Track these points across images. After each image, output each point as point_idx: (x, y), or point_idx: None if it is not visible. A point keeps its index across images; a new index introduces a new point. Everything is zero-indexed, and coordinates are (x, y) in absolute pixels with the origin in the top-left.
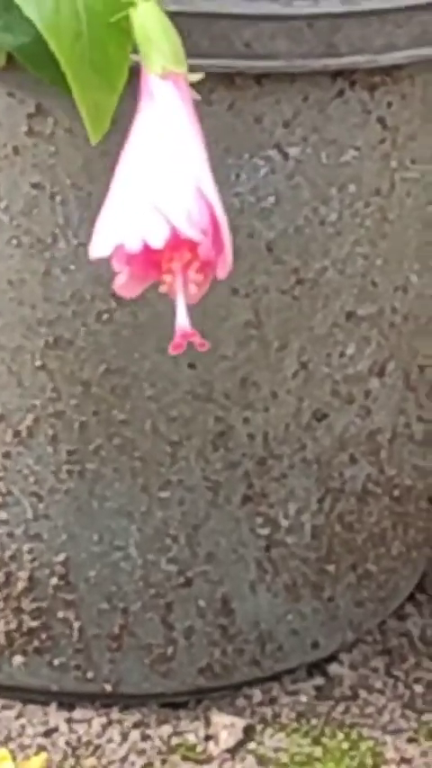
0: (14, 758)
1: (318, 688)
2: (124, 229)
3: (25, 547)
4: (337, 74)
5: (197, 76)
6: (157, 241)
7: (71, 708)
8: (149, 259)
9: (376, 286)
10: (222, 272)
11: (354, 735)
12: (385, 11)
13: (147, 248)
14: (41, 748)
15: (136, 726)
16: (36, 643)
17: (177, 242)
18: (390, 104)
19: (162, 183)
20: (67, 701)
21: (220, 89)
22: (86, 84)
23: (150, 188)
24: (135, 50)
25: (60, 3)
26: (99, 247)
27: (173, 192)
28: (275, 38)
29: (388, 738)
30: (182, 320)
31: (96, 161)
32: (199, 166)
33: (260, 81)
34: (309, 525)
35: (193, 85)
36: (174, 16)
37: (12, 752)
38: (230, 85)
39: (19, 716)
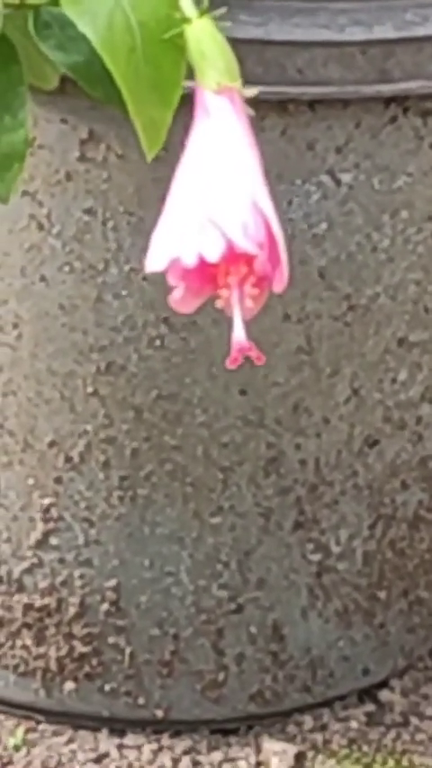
0: None
1: (369, 714)
2: (180, 243)
3: (76, 573)
4: (389, 100)
5: (252, 92)
6: (213, 255)
7: (122, 734)
8: (205, 273)
9: (428, 312)
10: (279, 286)
11: (405, 761)
12: None
13: (203, 262)
14: None
15: (186, 752)
16: (87, 669)
17: (233, 256)
18: None
19: (218, 196)
20: (118, 726)
21: (273, 115)
22: (141, 100)
23: (206, 202)
24: (188, 76)
25: (114, 19)
26: (154, 261)
27: (228, 206)
28: (328, 64)
29: None
30: (239, 334)
31: (148, 187)
32: (255, 180)
33: (313, 107)
34: (360, 551)
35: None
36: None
37: None
38: (283, 112)
39: (69, 741)
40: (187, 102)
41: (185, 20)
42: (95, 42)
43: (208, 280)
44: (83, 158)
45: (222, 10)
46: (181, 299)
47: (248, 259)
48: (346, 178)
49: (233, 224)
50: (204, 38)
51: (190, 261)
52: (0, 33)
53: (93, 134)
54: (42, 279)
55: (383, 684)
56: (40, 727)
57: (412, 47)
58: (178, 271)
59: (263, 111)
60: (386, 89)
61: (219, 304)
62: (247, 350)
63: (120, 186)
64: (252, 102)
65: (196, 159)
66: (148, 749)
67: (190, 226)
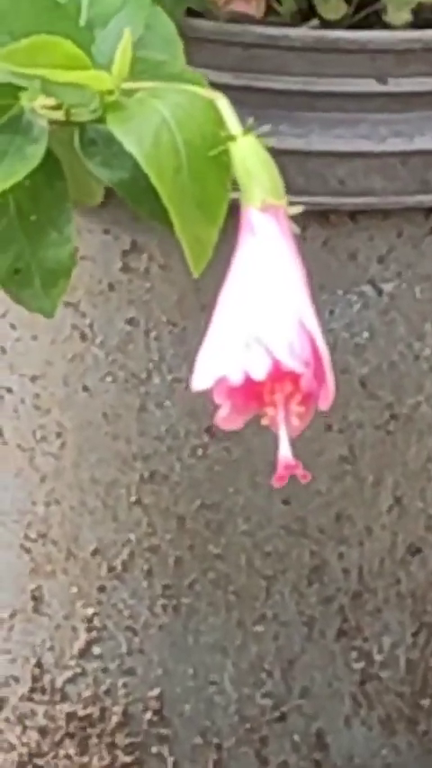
0: None
1: None
2: (226, 361)
3: (120, 682)
4: (430, 210)
5: (297, 209)
6: (260, 373)
7: None
8: (251, 391)
9: None
10: (325, 403)
11: None
12: None
13: (249, 380)
14: None
15: None
16: None
17: (279, 374)
18: None
19: (264, 314)
20: None
21: (315, 226)
22: (187, 218)
23: (252, 320)
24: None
25: (160, 137)
26: (201, 380)
27: (275, 324)
28: (369, 175)
29: None
30: (285, 452)
31: (190, 296)
32: (300, 298)
33: (354, 217)
34: (403, 659)
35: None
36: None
37: None
38: (325, 222)
39: None
40: (230, 212)
41: (230, 137)
42: (142, 162)
43: (254, 398)
44: (125, 269)
45: (267, 127)
46: (227, 417)
47: (294, 377)
48: (387, 288)
49: (279, 342)
50: (250, 156)
51: (236, 379)
52: (46, 150)
53: (135, 244)
54: (85, 388)
55: None
56: None
57: None
58: (224, 389)
59: (304, 222)
60: (427, 199)
61: (264, 422)
62: (294, 468)
63: (162, 296)
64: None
65: (242, 277)
66: None
67: (236, 344)
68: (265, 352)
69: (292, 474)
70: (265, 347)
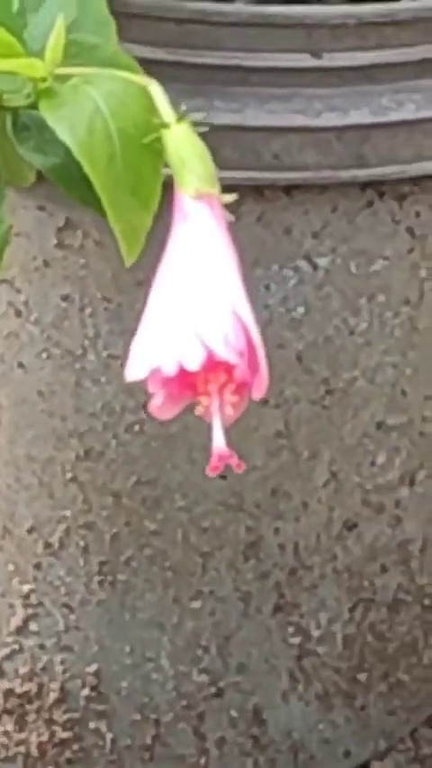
0: None
1: None
2: (160, 352)
3: (57, 658)
4: (365, 185)
5: (231, 197)
6: (194, 364)
7: None
8: (185, 381)
9: (406, 395)
10: (258, 392)
11: None
12: (414, 121)
13: (183, 371)
14: None
15: None
16: (68, 754)
17: (213, 364)
18: (418, 214)
19: (198, 305)
20: None
21: (249, 201)
22: (121, 206)
23: (186, 310)
24: (166, 164)
25: (94, 125)
26: (135, 370)
27: (209, 315)
28: (304, 149)
29: None
30: (219, 442)
31: (125, 273)
32: (234, 288)
33: (289, 192)
34: (340, 635)
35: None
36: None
37: None
38: (259, 197)
39: None
40: (166, 189)
41: (164, 125)
42: (75, 150)
43: (188, 387)
44: (60, 245)
45: (201, 115)
46: (160, 406)
47: (228, 367)
48: (322, 262)
49: (214, 333)
50: (183, 144)
51: (170, 370)
52: None
53: (70, 221)
54: (20, 365)
55: (365, 767)
56: None
57: (388, 131)
58: (158, 379)
59: (239, 197)
60: (362, 174)
61: (198, 411)
62: (228, 457)
63: (97, 272)
64: (228, 188)
65: (176, 266)
66: None
67: (170, 335)
68: (200, 342)
69: (227, 463)
70: (199, 338)
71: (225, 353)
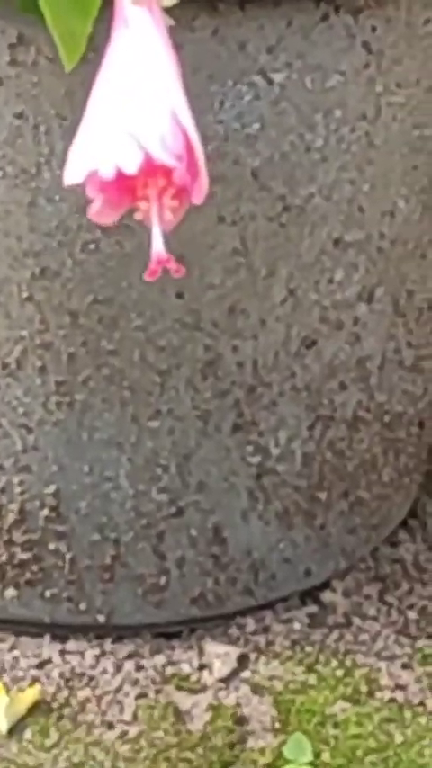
0: (8, 690)
1: (311, 616)
2: (98, 156)
3: (15, 479)
4: None
5: (171, 1)
6: (131, 167)
7: (64, 639)
8: (124, 185)
9: (363, 212)
10: (198, 197)
11: (348, 662)
12: None
13: (121, 175)
14: (35, 680)
15: (129, 656)
16: (28, 575)
17: (152, 168)
18: (374, 28)
19: (136, 109)
20: (60, 632)
21: (203, 15)
22: (59, 11)
23: (124, 114)
24: None
25: None
26: (73, 174)
27: (147, 118)
28: None
29: (382, 665)
30: (157, 246)
31: (79, 90)
32: (173, 92)
33: (243, 6)
34: (299, 453)
35: (174, 12)
36: None
37: (5, 684)
38: (213, 12)
39: (12, 648)
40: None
41: None
42: None
43: (126, 192)
44: (13, 62)
45: None
46: (100, 212)
47: (167, 171)
48: (278, 78)
49: (151, 137)
50: None
51: (108, 173)
52: None
53: (22, 38)
54: None
55: (325, 586)
56: None
57: None
58: (96, 183)
59: (193, 12)
60: None
61: (137, 216)
62: (166, 261)
63: (51, 89)
64: (182, 2)
65: (115, 71)
66: (90, 654)
67: (108, 138)
68: (137, 146)
69: (165, 267)
70: (137, 141)
71: (163, 157)
